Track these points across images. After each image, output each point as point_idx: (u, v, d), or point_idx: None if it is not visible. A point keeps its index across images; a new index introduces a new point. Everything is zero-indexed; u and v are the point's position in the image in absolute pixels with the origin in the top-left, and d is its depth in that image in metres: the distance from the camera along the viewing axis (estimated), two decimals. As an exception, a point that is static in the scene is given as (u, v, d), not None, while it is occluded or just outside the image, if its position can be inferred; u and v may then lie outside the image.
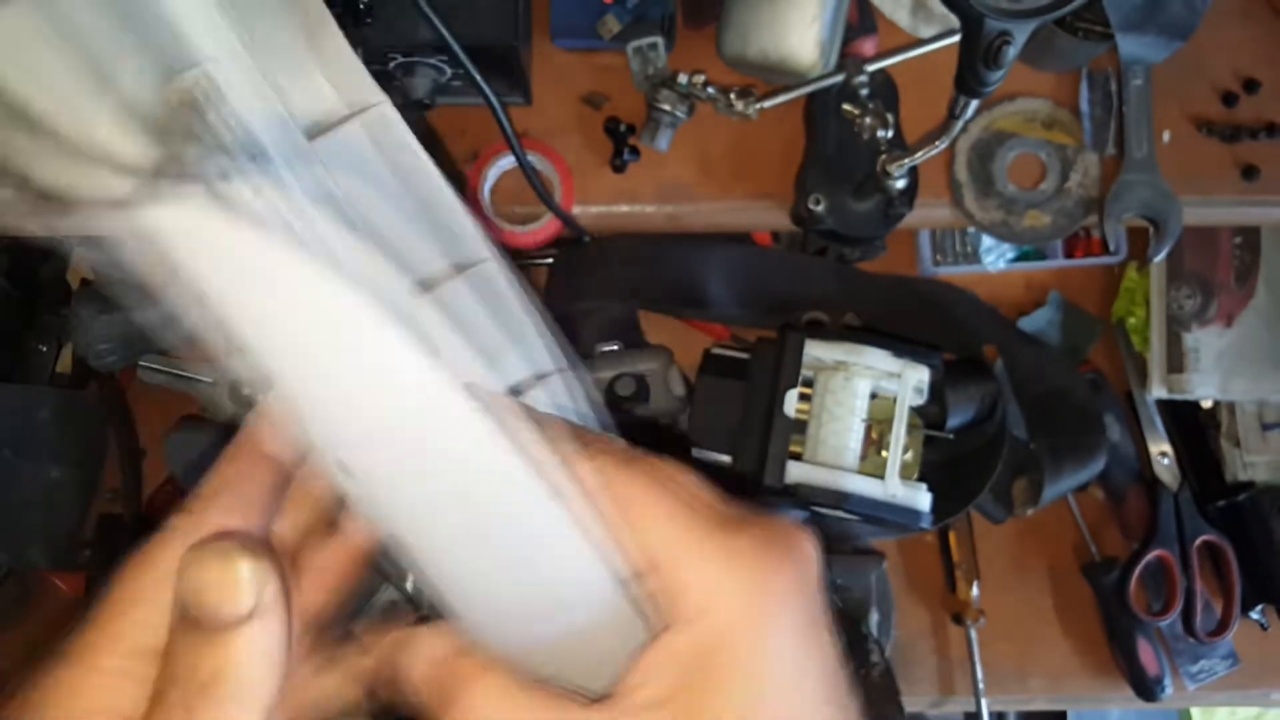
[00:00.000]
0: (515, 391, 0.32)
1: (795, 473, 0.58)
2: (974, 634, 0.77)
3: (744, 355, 0.67)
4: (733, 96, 0.59)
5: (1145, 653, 0.76)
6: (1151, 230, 0.62)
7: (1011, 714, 0.95)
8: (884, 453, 0.58)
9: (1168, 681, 0.76)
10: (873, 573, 0.77)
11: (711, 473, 0.30)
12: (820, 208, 0.58)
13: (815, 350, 0.58)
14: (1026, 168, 0.63)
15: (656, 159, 0.62)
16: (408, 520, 0.30)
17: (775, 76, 0.59)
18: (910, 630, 0.81)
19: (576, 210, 0.63)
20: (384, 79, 0.59)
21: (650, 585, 0.28)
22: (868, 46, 0.61)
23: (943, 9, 0.53)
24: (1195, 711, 1.06)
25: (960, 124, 0.48)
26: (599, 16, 0.60)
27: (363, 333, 0.27)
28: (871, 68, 0.59)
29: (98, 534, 0.74)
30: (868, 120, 0.55)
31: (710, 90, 0.59)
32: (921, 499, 0.58)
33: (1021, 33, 0.42)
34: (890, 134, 0.55)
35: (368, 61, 0.57)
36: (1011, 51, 0.42)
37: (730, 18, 0.57)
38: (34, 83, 0.26)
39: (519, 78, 0.59)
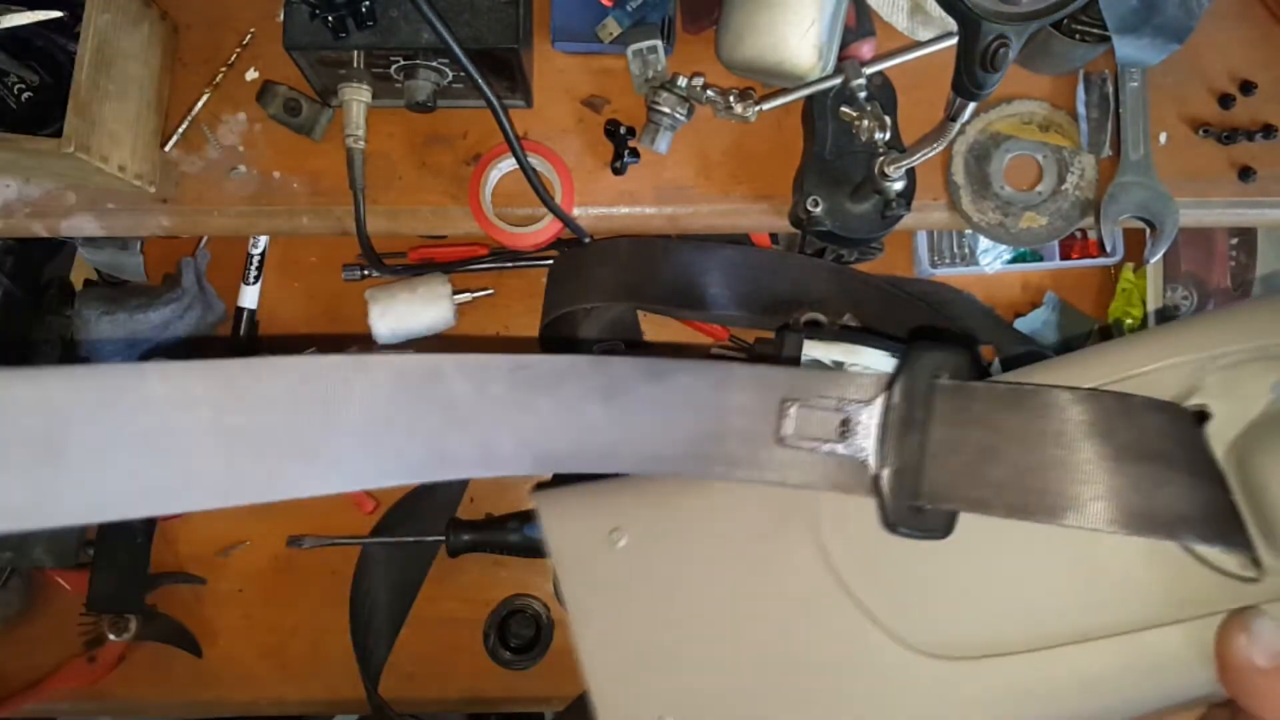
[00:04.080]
0: None
1: (794, 472, 0.58)
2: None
3: (742, 355, 0.67)
4: (732, 99, 0.59)
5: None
6: (1148, 231, 0.62)
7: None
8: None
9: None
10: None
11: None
12: (818, 209, 0.59)
13: (813, 350, 0.58)
14: (1023, 170, 0.63)
15: (656, 161, 0.63)
16: None
17: (774, 79, 0.59)
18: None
19: (577, 212, 0.63)
20: (386, 81, 0.59)
21: None
22: (865, 49, 0.62)
23: (940, 12, 0.53)
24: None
25: (957, 126, 0.48)
26: (599, 20, 0.60)
27: None
28: (869, 70, 0.59)
29: (100, 533, 0.75)
30: (865, 122, 0.56)
31: (709, 93, 0.59)
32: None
33: (1018, 36, 0.42)
34: (888, 136, 0.55)
35: (369, 64, 0.58)
36: (1009, 54, 0.42)
37: (729, 21, 0.57)
38: None
39: (520, 80, 0.60)
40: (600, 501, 0.52)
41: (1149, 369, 0.43)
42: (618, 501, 0.51)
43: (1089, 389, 0.43)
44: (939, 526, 0.42)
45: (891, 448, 0.42)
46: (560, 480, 0.54)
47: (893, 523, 0.42)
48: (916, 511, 0.42)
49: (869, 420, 0.42)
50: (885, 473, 0.42)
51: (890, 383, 0.43)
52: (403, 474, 0.38)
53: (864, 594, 0.44)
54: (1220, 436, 0.41)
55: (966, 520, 0.42)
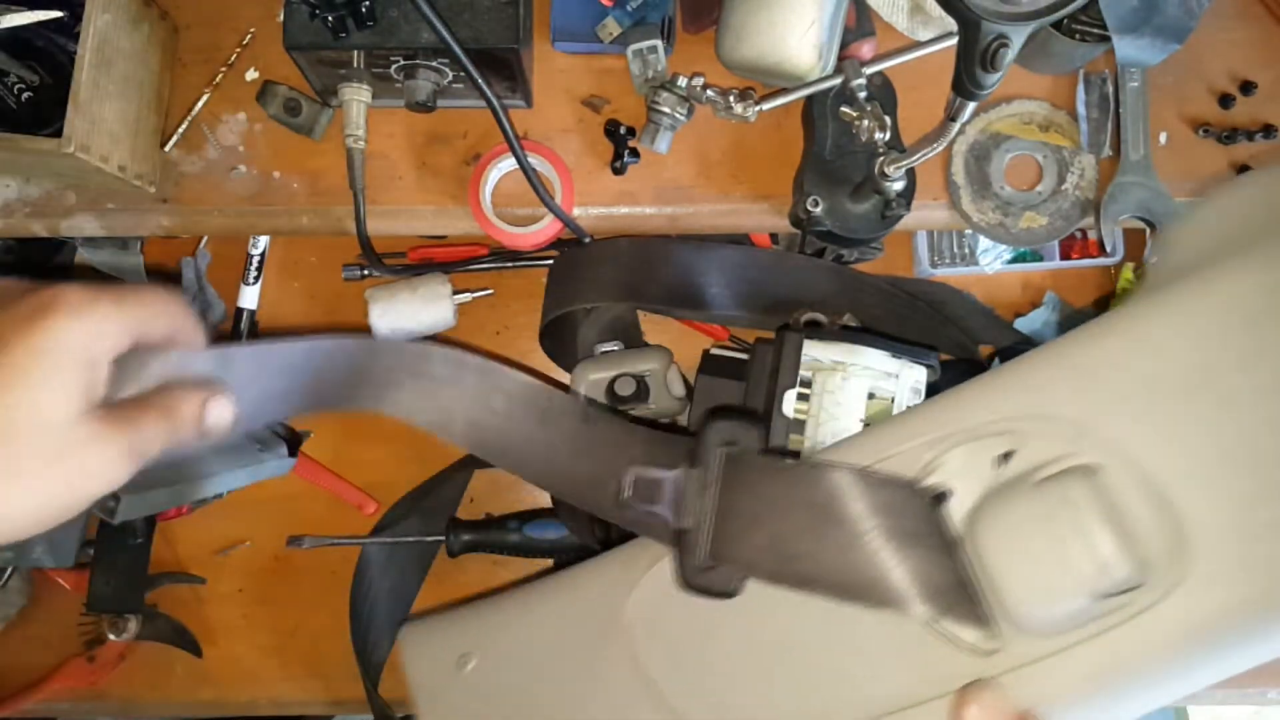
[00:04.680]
0: None
1: (794, 472, 0.58)
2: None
3: (742, 355, 0.67)
4: (732, 99, 0.59)
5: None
6: (1148, 231, 0.62)
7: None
8: (882, 452, 0.58)
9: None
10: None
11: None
12: (818, 209, 0.59)
13: (813, 351, 0.58)
14: (1023, 170, 0.63)
15: (656, 161, 0.63)
16: None
17: (774, 79, 0.59)
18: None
19: (577, 212, 0.63)
20: (386, 81, 0.59)
21: None
22: (865, 49, 0.62)
23: (940, 12, 0.53)
24: (1192, 709, 1.06)
25: (957, 126, 0.48)
26: (599, 20, 0.60)
27: None
28: (869, 70, 0.59)
29: (99, 533, 0.75)
30: (865, 122, 0.56)
31: (709, 93, 0.59)
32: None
33: (1019, 36, 0.42)
34: (888, 136, 0.55)
35: (369, 64, 0.58)
36: (1009, 54, 0.42)
37: (729, 21, 0.57)
38: None
39: (520, 80, 0.60)
40: (453, 629, 0.57)
41: (900, 450, 0.47)
42: (470, 627, 0.57)
43: (845, 466, 0.46)
44: (727, 588, 0.47)
45: (686, 510, 0.48)
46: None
47: (686, 580, 0.47)
48: (707, 571, 0.47)
49: (674, 485, 0.49)
50: (681, 532, 0.48)
51: (691, 452, 0.49)
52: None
53: (673, 696, 0.49)
54: (958, 513, 0.44)
55: (757, 611, 0.47)
